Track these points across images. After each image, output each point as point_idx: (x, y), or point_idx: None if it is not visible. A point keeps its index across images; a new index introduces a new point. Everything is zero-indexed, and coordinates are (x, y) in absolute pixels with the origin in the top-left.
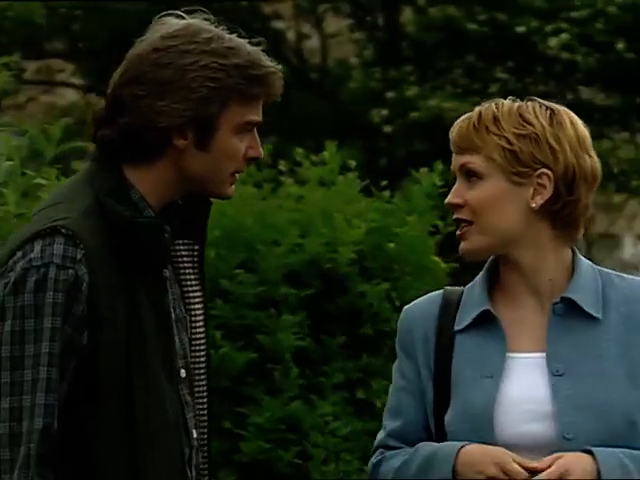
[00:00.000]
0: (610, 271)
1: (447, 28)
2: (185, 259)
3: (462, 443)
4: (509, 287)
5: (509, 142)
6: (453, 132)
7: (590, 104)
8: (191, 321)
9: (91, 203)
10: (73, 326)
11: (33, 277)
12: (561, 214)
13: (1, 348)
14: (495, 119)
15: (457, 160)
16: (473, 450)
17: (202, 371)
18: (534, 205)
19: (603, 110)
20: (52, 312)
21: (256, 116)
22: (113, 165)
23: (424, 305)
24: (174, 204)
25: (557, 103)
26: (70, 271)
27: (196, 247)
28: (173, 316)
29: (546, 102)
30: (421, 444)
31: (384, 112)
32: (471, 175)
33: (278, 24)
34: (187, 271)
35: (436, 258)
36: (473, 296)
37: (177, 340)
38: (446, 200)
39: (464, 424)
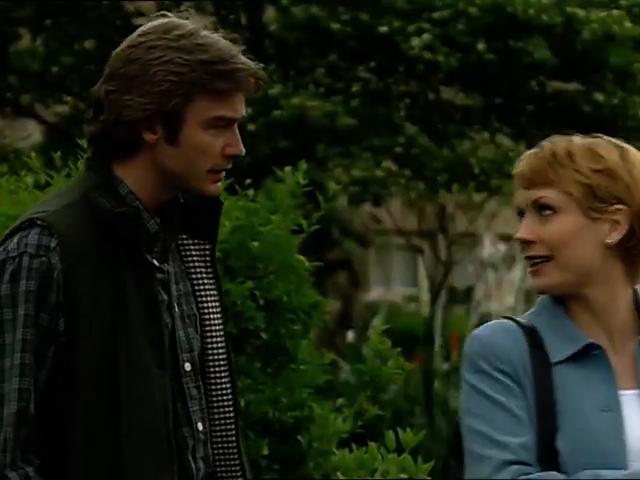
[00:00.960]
0: None
1: (310, 27)
2: (196, 258)
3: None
4: (580, 324)
5: (586, 176)
6: (520, 167)
7: (451, 104)
8: (205, 319)
9: (77, 198)
10: (48, 313)
11: (10, 268)
12: (633, 251)
13: None
14: (569, 154)
15: (527, 195)
16: None
17: (223, 368)
18: (610, 241)
19: (463, 110)
20: (25, 299)
21: (227, 112)
22: (103, 162)
23: (508, 334)
24: (176, 202)
25: (418, 102)
26: (43, 259)
27: (207, 247)
28: (178, 310)
29: (613, 139)
30: (586, 472)
31: (247, 110)
32: (545, 209)
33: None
34: (199, 270)
35: (300, 257)
36: (558, 326)
37: (182, 334)
38: (517, 235)
39: (590, 457)
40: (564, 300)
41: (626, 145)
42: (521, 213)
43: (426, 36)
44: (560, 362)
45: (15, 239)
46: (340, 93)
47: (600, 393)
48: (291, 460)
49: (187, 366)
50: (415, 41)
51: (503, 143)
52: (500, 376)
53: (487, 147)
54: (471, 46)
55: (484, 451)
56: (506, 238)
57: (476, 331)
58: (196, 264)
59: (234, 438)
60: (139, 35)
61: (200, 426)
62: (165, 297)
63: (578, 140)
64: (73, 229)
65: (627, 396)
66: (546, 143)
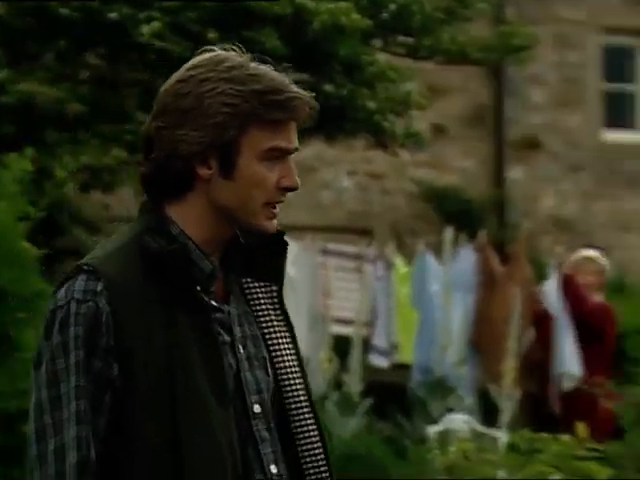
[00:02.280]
0: None
1: (39, 13)
2: (263, 301)
3: None
4: None
5: None
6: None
7: None
8: (279, 361)
9: (128, 240)
10: (100, 358)
11: (59, 316)
12: None
13: (42, 392)
14: None
15: None
16: None
17: (305, 409)
18: None
19: None
20: (75, 346)
21: (282, 142)
22: (155, 205)
23: None
24: (237, 243)
25: (149, 90)
26: (90, 303)
27: (274, 288)
28: (243, 352)
29: None
30: None
31: None
32: None
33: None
34: (267, 312)
35: (27, 244)
36: None
37: (250, 375)
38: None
39: None
40: None
41: None
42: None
43: (156, 24)
44: None
45: (64, 288)
46: (69, 79)
47: None
48: (13, 449)
49: (256, 408)
50: (145, 28)
51: None
52: None
53: None
54: (202, 35)
55: None
56: None
57: None
58: (263, 307)
59: (327, 475)
60: (187, 69)
61: (274, 469)
62: (227, 338)
63: None
64: (121, 271)
65: None
66: None
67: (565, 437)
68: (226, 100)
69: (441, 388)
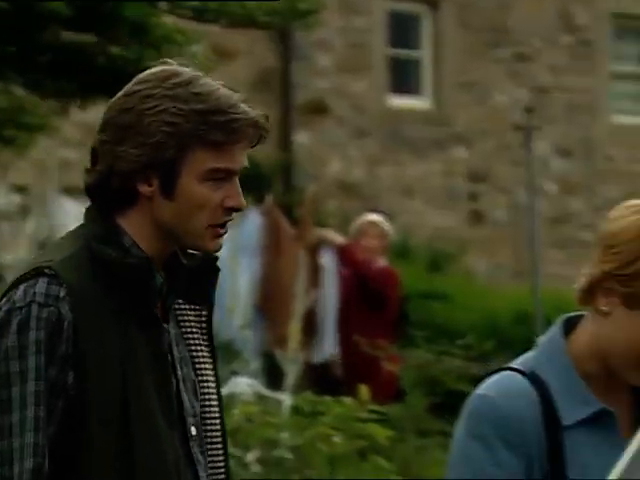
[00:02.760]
0: None
1: None
2: (193, 324)
3: None
4: (599, 381)
5: None
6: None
7: None
8: (203, 386)
9: (80, 248)
10: (58, 366)
11: (17, 318)
12: None
13: None
14: None
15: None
16: None
17: (217, 434)
18: None
19: None
20: (36, 350)
21: (225, 163)
22: (103, 213)
23: (523, 397)
24: (179, 266)
25: None
26: (52, 309)
27: (204, 312)
28: (180, 374)
29: None
30: None
31: None
32: None
33: None
34: (195, 336)
35: None
36: (569, 386)
37: (186, 399)
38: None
39: None
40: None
41: None
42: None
43: None
44: (572, 425)
45: (21, 289)
46: None
47: (609, 461)
48: None
49: (193, 430)
50: None
51: (17, 93)
52: (502, 447)
53: (1, 97)
54: None
55: None
56: (20, 189)
57: (488, 390)
58: (193, 329)
59: None
60: (135, 83)
61: None
62: (169, 358)
63: None
64: (79, 279)
65: None
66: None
67: (347, 400)
68: (167, 119)
69: (227, 351)
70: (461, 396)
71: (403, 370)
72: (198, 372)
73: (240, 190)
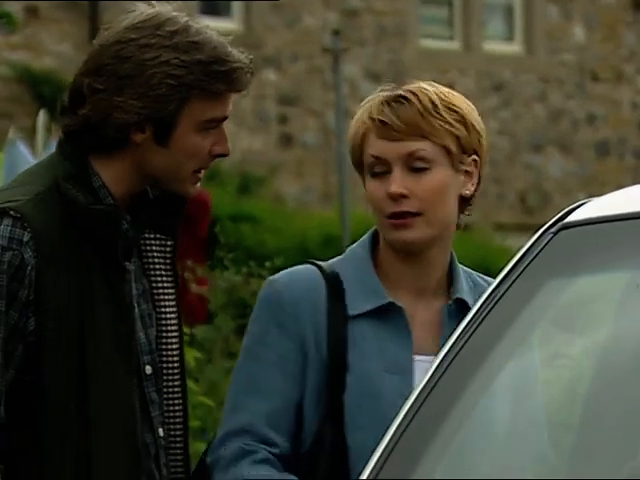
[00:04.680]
0: (471, 271)
1: None
2: (156, 254)
3: None
4: (394, 277)
5: (455, 128)
6: (383, 117)
7: None
8: (161, 318)
9: (49, 187)
10: (18, 311)
11: None
12: (469, 202)
13: None
14: (433, 104)
15: (397, 147)
16: None
17: (176, 370)
18: (468, 192)
19: None
20: None
21: (220, 112)
22: (77, 152)
23: (306, 282)
24: (146, 197)
25: None
26: (15, 252)
27: (169, 242)
28: (137, 311)
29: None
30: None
31: None
32: (418, 163)
33: None
34: (158, 266)
35: None
36: (362, 279)
37: (143, 335)
38: (390, 190)
39: (369, 419)
40: (377, 250)
41: (443, 88)
42: (374, 164)
43: None
44: (358, 316)
45: None
46: None
47: (391, 354)
48: None
49: (148, 369)
50: None
51: None
52: (275, 328)
53: None
54: None
55: (228, 406)
56: None
57: (276, 275)
58: (155, 260)
59: (181, 445)
60: (127, 29)
61: (161, 432)
62: (128, 300)
63: (429, 88)
64: (45, 222)
65: (422, 362)
66: (404, 91)
67: None
68: (170, 71)
69: None
70: None
71: (211, 292)
72: (157, 304)
73: (227, 136)
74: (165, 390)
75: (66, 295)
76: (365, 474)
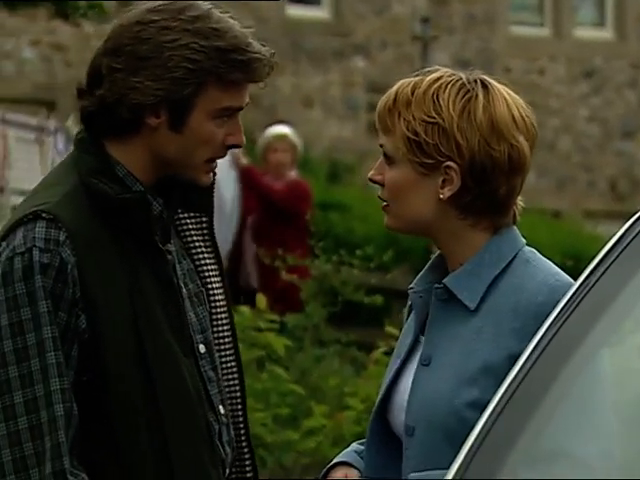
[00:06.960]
0: (529, 256)
1: None
2: (193, 232)
3: None
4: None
5: (415, 133)
6: (378, 107)
7: None
8: (210, 294)
9: (75, 185)
10: (67, 311)
11: (19, 264)
12: (474, 205)
13: (3, 343)
14: (408, 103)
15: (379, 138)
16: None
17: (228, 345)
18: (442, 197)
19: None
20: (44, 296)
21: (236, 102)
22: (95, 144)
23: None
24: (172, 178)
25: None
26: (54, 253)
27: (204, 219)
28: (185, 290)
29: (473, 78)
30: None
31: None
32: (386, 157)
33: None
34: (197, 244)
35: None
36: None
37: (193, 315)
38: (369, 175)
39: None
40: None
41: (484, 88)
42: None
43: None
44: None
45: (19, 234)
46: None
47: (405, 341)
48: None
49: (202, 348)
50: None
51: None
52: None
53: None
54: None
55: None
56: None
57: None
58: (194, 238)
59: (242, 419)
60: (149, 11)
61: (222, 409)
62: (175, 280)
63: (427, 82)
64: (78, 220)
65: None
66: (399, 84)
67: (244, 308)
68: (188, 55)
69: None
70: (359, 306)
71: (302, 281)
72: (204, 281)
73: (241, 127)
74: (224, 371)
75: (112, 287)
76: (451, 474)
